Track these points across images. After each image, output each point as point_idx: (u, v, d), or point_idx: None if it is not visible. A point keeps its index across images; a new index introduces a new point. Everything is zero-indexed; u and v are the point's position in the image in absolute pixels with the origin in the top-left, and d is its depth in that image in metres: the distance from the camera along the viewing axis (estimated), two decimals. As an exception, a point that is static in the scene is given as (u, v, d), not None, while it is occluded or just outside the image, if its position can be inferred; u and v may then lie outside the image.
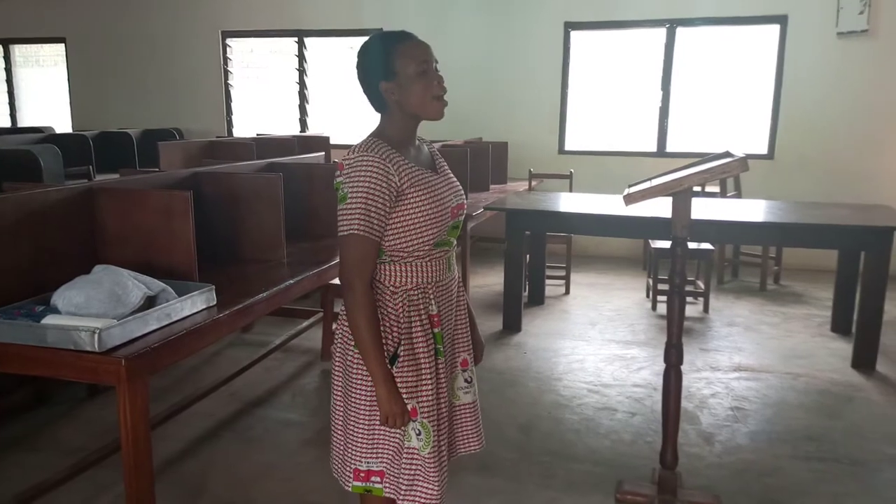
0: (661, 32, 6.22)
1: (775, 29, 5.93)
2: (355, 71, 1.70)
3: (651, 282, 4.92)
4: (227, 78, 7.60)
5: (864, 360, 3.78)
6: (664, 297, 4.64)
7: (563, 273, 5.33)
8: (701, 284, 4.87)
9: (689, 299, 4.95)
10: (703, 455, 2.84)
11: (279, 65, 7.50)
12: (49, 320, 1.91)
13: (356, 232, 1.60)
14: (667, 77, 6.27)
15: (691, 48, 6.22)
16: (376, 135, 1.68)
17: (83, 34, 7.84)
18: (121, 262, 2.25)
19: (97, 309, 1.98)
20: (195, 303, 2.18)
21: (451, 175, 1.80)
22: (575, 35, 6.48)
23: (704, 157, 2.42)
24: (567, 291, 5.29)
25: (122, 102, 7.82)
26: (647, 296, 5.09)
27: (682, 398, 3.35)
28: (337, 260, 2.97)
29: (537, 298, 5.01)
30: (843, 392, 3.48)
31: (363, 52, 1.69)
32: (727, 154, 2.28)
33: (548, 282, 5.19)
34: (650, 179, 2.35)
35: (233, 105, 7.67)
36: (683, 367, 3.87)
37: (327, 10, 7.06)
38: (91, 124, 7.55)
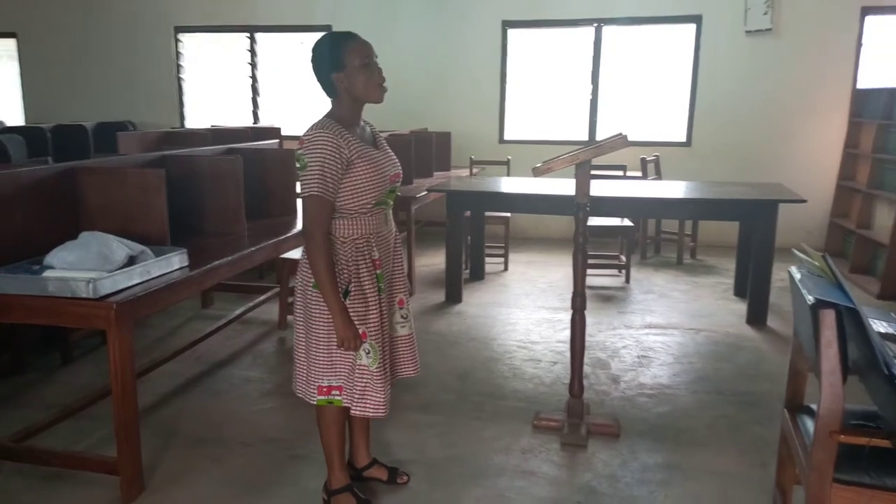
0: (590, 31, 6.76)
1: (691, 28, 6.53)
2: (310, 64, 2.11)
3: (580, 257, 5.42)
4: (179, 72, 7.83)
5: (756, 317, 4.35)
6: (592, 270, 5.16)
7: (502, 251, 5.80)
8: (623, 258, 5.40)
9: (612, 271, 5.49)
10: (610, 392, 3.34)
11: (230, 59, 7.77)
12: (48, 274, 2.27)
13: (315, 193, 2.01)
14: (596, 72, 6.82)
15: (617, 45, 6.78)
16: (329, 116, 2.10)
17: (36, 29, 7.96)
18: (102, 231, 2.60)
19: (88, 266, 2.34)
20: (171, 262, 2.55)
21: (390, 150, 2.24)
22: (512, 33, 6.97)
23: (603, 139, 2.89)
24: (506, 268, 5.77)
25: (74, 96, 7.97)
26: (577, 270, 5.59)
27: (597, 350, 3.87)
28: (291, 233, 3.39)
29: (478, 274, 5.47)
30: (735, 342, 4.04)
31: (317, 49, 2.10)
32: (618, 135, 2.76)
33: (488, 260, 5.65)
34: (556, 158, 2.81)
35: (185, 98, 7.91)
36: (601, 326, 4.40)
37: (279, 7, 7.37)
38: (44, 118, 7.69)
